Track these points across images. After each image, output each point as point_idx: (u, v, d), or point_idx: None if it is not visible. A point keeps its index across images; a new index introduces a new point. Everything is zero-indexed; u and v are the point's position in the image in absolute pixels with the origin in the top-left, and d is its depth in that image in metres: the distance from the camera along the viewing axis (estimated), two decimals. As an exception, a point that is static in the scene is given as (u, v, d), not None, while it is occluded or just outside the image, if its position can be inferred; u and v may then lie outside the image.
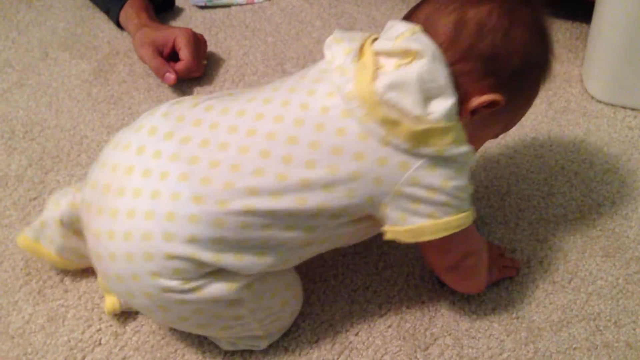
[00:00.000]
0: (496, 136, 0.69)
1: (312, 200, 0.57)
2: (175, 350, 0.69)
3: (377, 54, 0.58)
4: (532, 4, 0.62)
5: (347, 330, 0.71)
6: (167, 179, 0.57)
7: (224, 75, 1.05)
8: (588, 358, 0.68)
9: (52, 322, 0.71)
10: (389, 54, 0.57)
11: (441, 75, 0.56)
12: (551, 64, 0.64)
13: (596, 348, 0.69)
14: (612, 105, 0.97)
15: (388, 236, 0.61)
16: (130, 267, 0.58)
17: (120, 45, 1.10)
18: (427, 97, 0.56)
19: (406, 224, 0.59)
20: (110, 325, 0.71)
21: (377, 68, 0.57)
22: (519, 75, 0.60)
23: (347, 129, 0.57)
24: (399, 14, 1.13)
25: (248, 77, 1.05)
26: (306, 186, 0.57)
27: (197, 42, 1.02)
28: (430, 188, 0.57)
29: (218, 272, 0.59)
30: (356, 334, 0.71)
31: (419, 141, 0.56)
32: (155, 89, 1.02)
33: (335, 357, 0.69)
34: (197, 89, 1.03)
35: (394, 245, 0.78)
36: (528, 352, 0.69)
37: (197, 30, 1.09)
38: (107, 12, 1.12)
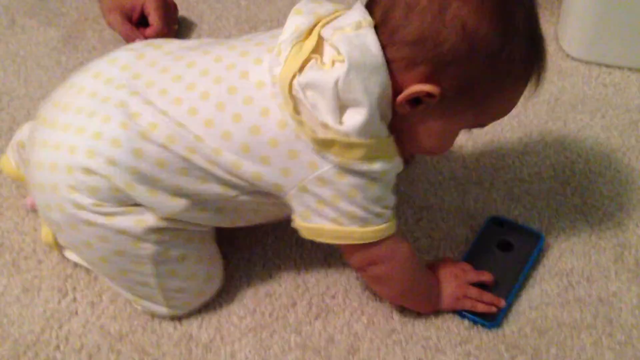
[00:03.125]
0: (477, 127, 0.63)
1: (221, 170, 0.58)
2: (153, 318, 0.69)
3: (323, 38, 0.56)
4: None
5: (323, 293, 0.71)
6: (107, 102, 0.60)
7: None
8: (560, 313, 0.69)
9: (27, 293, 0.71)
10: (331, 44, 0.55)
11: (359, 86, 0.53)
12: (520, 49, 0.55)
13: (568, 303, 0.70)
14: (587, 62, 0.97)
15: (293, 224, 0.61)
16: (52, 177, 0.60)
17: (89, 11, 1.07)
18: (342, 106, 0.54)
19: (308, 221, 0.59)
20: (86, 295, 0.71)
21: (310, 58, 0.54)
22: (458, 61, 0.54)
23: (270, 112, 0.56)
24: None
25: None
26: (218, 155, 0.57)
27: (167, 6, 1.00)
28: (337, 193, 0.56)
29: (133, 207, 0.60)
30: (333, 297, 0.71)
31: (322, 147, 0.55)
32: (126, 56, 1.00)
33: (312, 320, 0.69)
34: (169, 55, 1.00)
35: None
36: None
37: (168, -6, 1.06)
38: (73, -24, 1.09)
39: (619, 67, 0.96)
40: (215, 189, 0.59)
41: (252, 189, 0.60)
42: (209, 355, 0.66)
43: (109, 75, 0.62)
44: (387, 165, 0.57)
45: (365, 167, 0.55)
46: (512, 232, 0.74)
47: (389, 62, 0.54)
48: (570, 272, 0.73)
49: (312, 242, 0.74)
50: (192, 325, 0.68)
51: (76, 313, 0.69)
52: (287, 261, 0.74)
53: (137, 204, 0.60)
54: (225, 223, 0.66)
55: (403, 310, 0.70)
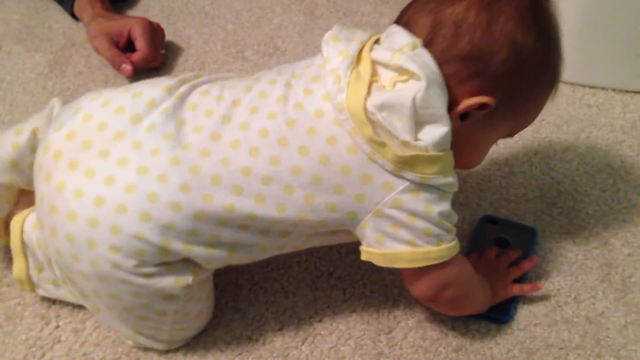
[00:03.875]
0: (507, 137, 0.64)
1: (292, 209, 0.56)
2: (132, 348, 0.68)
3: (375, 62, 0.56)
4: None
5: (310, 317, 0.71)
6: (157, 156, 0.55)
7: (184, 64, 1.04)
8: (549, 334, 0.69)
9: (10, 321, 0.69)
10: (387, 66, 0.55)
11: (437, 101, 0.53)
12: (555, 57, 0.59)
13: (556, 323, 0.70)
14: (571, 83, 0.98)
15: (363, 257, 0.60)
16: (89, 232, 0.55)
17: (76, 36, 1.07)
18: (419, 123, 0.54)
19: (383, 248, 0.58)
20: (70, 322, 0.70)
21: (372, 81, 0.54)
22: (509, 73, 0.56)
23: (337, 139, 0.55)
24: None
25: (208, 66, 1.03)
26: (289, 193, 0.55)
27: (154, 31, 1.00)
28: (413, 213, 0.56)
29: (175, 264, 0.58)
30: (320, 320, 0.70)
31: (403, 165, 0.54)
32: (113, 81, 1.00)
33: (299, 344, 0.68)
34: (156, 79, 1.01)
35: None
36: (490, 329, 0.69)
37: (155, 19, 1.07)
38: (60, 2, 1.10)
39: (603, 88, 0.97)
40: (275, 240, 0.58)
41: (312, 232, 0.59)
42: (195, 383, 0.65)
43: (152, 121, 0.56)
44: (455, 178, 0.57)
45: (442, 180, 0.56)
46: (506, 228, 0.77)
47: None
48: (557, 292, 0.73)
49: (299, 265, 0.75)
50: (178, 354, 0.67)
51: (59, 341, 0.68)
52: (274, 284, 0.74)
53: (180, 260, 0.57)
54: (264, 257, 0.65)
55: (390, 332, 0.69)
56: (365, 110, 0.53)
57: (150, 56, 0.98)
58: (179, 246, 0.56)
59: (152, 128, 0.56)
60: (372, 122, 0.54)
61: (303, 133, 0.55)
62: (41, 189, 0.58)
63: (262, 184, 0.55)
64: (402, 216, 0.56)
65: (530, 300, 0.72)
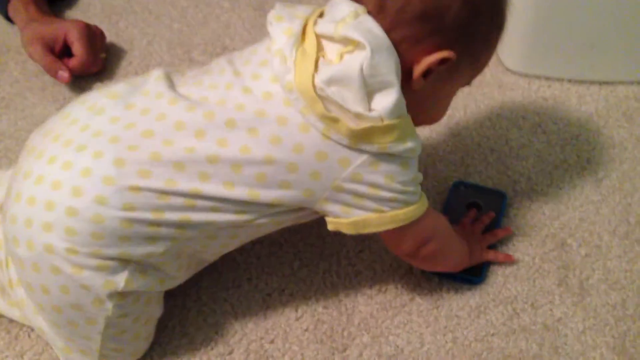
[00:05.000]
0: (466, 85, 0.64)
1: (242, 187, 0.55)
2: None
3: (320, 36, 0.55)
4: None
5: (261, 338, 0.68)
6: (99, 137, 0.55)
7: (127, 68, 0.99)
8: (506, 343, 0.67)
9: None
10: (332, 39, 0.54)
11: (385, 67, 0.52)
12: (505, 3, 0.59)
13: (514, 332, 0.68)
14: (527, 75, 0.96)
15: (329, 227, 0.59)
16: (27, 210, 0.55)
17: (11, 41, 1.01)
18: (370, 92, 0.52)
19: (350, 217, 0.57)
20: (6, 357, 0.66)
21: (318, 56, 0.53)
22: (465, 24, 0.55)
23: (288, 119, 0.54)
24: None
25: (153, 68, 0.98)
26: (237, 172, 0.54)
27: (92, 34, 0.95)
28: (374, 185, 0.55)
29: (107, 262, 0.55)
30: (271, 341, 0.68)
31: (359, 139, 0.53)
32: (51, 88, 0.95)
33: (250, 368, 0.66)
34: (97, 85, 0.96)
35: (309, 242, 0.76)
36: (447, 342, 0.68)
37: (96, 19, 1.02)
38: (-7, 5, 1.03)
39: (558, 79, 0.95)
40: (228, 217, 0.57)
41: (271, 211, 0.57)
42: (140, 416, 0.62)
43: (101, 105, 0.57)
44: (416, 142, 0.56)
45: (401, 147, 0.54)
46: (476, 193, 0.79)
47: (393, 44, 0.54)
48: (514, 299, 0.71)
49: (250, 282, 0.72)
50: (122, 384, 0.64)
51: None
52: (224, 305, 0.71)
53: (112, 259, 0.55)
54: (223, 249, 0.64)
55: (345, 350, 0.67)
56: (314, 86, 0.52)
57: (88, 61, 0.93)
58: (115, 223, 0.54)
59: (98, 133, 0.56)
60: (323, 98, 0.53)
61: (252, 115, 0.55)
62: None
63: (207, 162, 0.54)
64: (364, 188, 0.55)
65: (487, 308, 0.70)
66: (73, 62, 0.92)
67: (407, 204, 0.58)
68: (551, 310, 0.70)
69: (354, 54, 0.52)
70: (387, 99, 0.52)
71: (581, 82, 0.95)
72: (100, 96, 0.59)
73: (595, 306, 0.70)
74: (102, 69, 0.97)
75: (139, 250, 0.56)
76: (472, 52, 0.58)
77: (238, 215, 0.57)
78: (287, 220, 0.61)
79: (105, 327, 0.58)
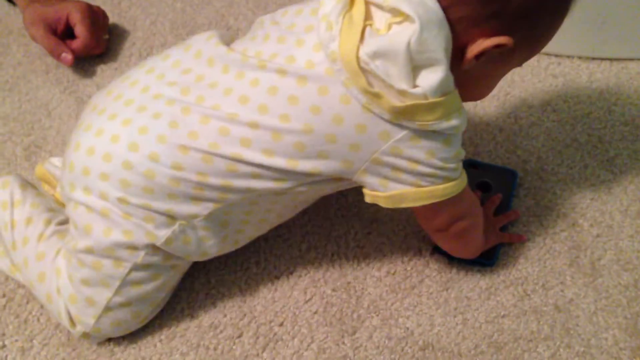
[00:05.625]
0: (517, 66, 0.62)
1: (280, 155, 0.55)
2: (87, 363, 0.64)
3: (369, 3, 0.53)
4: None
5: (271, 321, 0.68)
6: (158, 99, 0.58)
7: (130, 49, 0.98)
8: (517, 325, 0.67)
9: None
10: (381, 7, 0.52)
11: (433, 44, 0.50)
12: None
13: (525, 314, 0.68)
14: (536, 53, 0.94)
15: (367, 199, 0.59)
16: (86, 159, 0.59)
17: (14, 23, 1.00)
18: (416, 68, 0.51)
19: (387, 190, 0.57)
20: (16, 341, 0.66)
21: (365, 25, 0.52)
22: (529, 12, 0.53)
23: (329, 89, 0.53)
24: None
25: (156, 49, 0.98)
26: (277, 140, 0.55)
27: (95, 15, 0.94)
28: (413, 160, 0.54)
29: (152, 217, 0.58)
30: (281, 324, 0.67)
31: (401, 115, 0.52)
32: (55, 71, 0.94)
33: (260, 352, 0.65)
34: (100, 67, 0.95)
35: (316, 224, 0.75)
36: (457, 324, 0.67)
37: (99, 0, 1.00)
38: (-7, -14, 1.02)
39: (568, 56, 0.94)
40: (268, 184, 0.57)
41: (310, 180, 0.58)
42: (149, 400, 0.62)
43: (161, 71, 0.60)
44: (461, 119, 0.55)
45: (444, 124, 0.53)
46: (487, 172, 0.78)
47: (450, 21, 0.52)
48: (525, 280, 0.70)
49: (258, 265, 0.71)
50: (132, 368, 0.64)
51: (5, 362, 0.64)
52: (232, 288, 0.70)
53: (159, 213, 0.58)
54: (262, 224, 0.66)
55: (354, 333, 0.66)
56: (358, 59, 0.51)
57: (91, 43, 0.92)
58: (164, 180, 0.57)
59: (160, 77, 0.59)
60: (366, 72, 0.51)
61: (293, 83, 0.54)
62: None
63: (248, 127, 0.55)
64: (403, 163, 0.55)
65: (497, 290, 0.70)
66: (76, 43, 0.91)
67: (446, 179, 0.57)
68: (562, 291, 0.69)
69: (402, 25, 0.51)
70: (433, 76, 0.51)
71: (591, 59, 0.93)
72: (158, 60, 0.62)
73: (607, 287, 0.70)
74: (105, 50, 0.96)
75: (184, 209, 0.58)
76: (530, 40, 0.57)
77: (277, 182, 0.57)
78: (326, 189, 0.62)
79: (128, 273, 0.60)
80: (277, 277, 0.71)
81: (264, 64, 0.55)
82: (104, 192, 0.58)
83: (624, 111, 0.86)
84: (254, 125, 0.55)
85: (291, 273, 0.72)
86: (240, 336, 0.67)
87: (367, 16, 0.52)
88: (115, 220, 0.58)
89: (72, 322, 0.64)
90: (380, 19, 0.52)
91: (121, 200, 0.58)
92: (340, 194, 0.77)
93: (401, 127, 0.53)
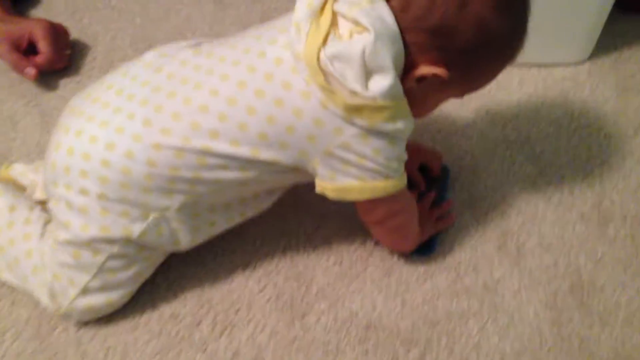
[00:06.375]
0: (457, 97, 0.68)
1: (246, 145, 0.61)
2: (55, 354, 0.69)
3: (336, 13, 0.59)
4: None
5: (227, 309, 0.74)
6: (132, 100, 0.63)
7: (92, 63, 1.03)
8: (450, 304, 0.74)
9: None
10: (345, 17, 0.58)
11: (384, 54, 0.56)
12: (518, 39, 0.62)
13: (457, 294, 0.75)
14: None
15: (317, 190, 0.65)
16: (67, 159, 0.64)
17: (-23, 41, 1.04)
18: (369, 73, 0.57)
19: (335, 182, 0.63)
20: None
21: (329, 32, 0.58)
22: (470, 52, 0.59)
23: (292, 85, 0.59)
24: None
25: (117, 64, 1.03)
26: (243, 131, 0.60)
27: (56, 32, 0.99)
28: (361, 155, 0.61)
29: (128, 212, 0.64)
30: (237, 312, 0.73)
31: (352, 112, 0.58)
32: (18, 85, 0.98)
33: (218, 337, 0.71)
34: (63, 81, 1.00)
35: (269, 221, 0.81)
36: (397, 305, 0.74)
37: (60, 17, 1.05)
38: (-42, 5, 1.06)
39: (500, 63, 1.02)
40: (235, 174, 0.63)
41: (271, 168, 0.63)
42: (115, 384, 0.67)
43: (135, 73, 0.65)
44: (407, 124, 0.61)
45: (390, 126, 0.59)
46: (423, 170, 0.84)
47: (405, 42, 0.58)
48: (458, 264, 0.78)
49: (215, 260, 0.77)
50: (98, 356, 0.69)
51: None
52: (191, 280, 0.76)
53: (135, 207, 0.63)
54: (232, 216, 0.71)
55: (304, 317, 0.73)
56: (319, 59, 0.57)
57: (54, 58, 0.97)
58: (140, 176, 0.62)
59: (131, 97, 0.64)
60: (325, 72, 0.57)
61: (261, 78, 0.60)
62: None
63: (218, 120, 0.60)
64: (351, 157, 0.61)
65: (433, 274, 0.77)
66: (39, 59, 0.96)
67: (388, 177, 0.63)
68: (491, 272, 0.77)
69: (362, 34, 0.56)
70: (383, 82, 0.57)
71: (522, 65, 1.02)
72: (132, 64, 0.67)
73: (530, 267, 0.77)
74: (68, 65, 1.01)
75: (157, 202, 0.64)
76: (467, 77, 0.63)
77: (243, 172, 0.63)
78: (286, 180, 0.68)
79: (105, 262, 0.66)
80: (233, 270, 0.77)
81: (236, 61, 0.61)
82: (85, 189, 0.63)
83: (549, 112, 0.95)
84: (222, 117, 0.60)
85: (246, 266, 0.78)
86: (199, 324, 0.72)
87: (333, 24, 0.59)
88: (93, 217, 0.64)
89: (53, 298, 0.69)
90: (344, 27, 0.58)
91: (101, 196, 0.63)
92: (291, 193, 0.83)
93: (353, 124, 0.59)
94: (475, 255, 0.79)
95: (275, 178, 0.66)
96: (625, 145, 0.90)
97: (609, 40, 1.03)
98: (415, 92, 0.62)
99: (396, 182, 0.64)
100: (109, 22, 1.09)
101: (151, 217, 0.65)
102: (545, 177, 0.87)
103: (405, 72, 0.60)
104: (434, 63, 0.60)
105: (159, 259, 0.72)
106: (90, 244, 0.65)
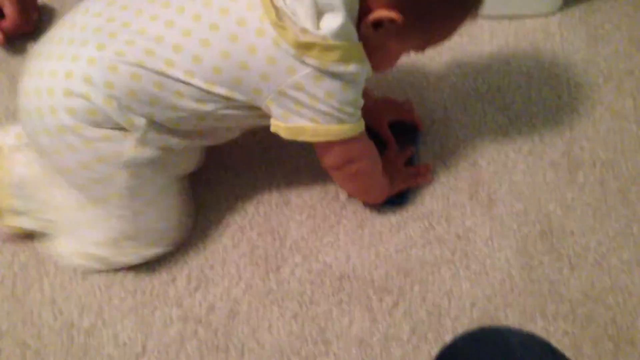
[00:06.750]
0: (419, 51, 0.68)
1: (200, 77, 0.61)
2: (30, 312, 0.69)
3: None
4: None
5: (201, 265, 0.74)
6: (85, 30, 0.63)
7: (59, 27, 1.01)
8: (422, 253, 0.75)
9: None
10: None
11: None
12: None
13: (430, 243, 0.76)
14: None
15: (272, 129, 0.65)
16: (36, 102, 0.63)
17: (-59, 7, 1.02)
18: (320, 12, 0.57)
19: (288, 122, 0.63)
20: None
21: None
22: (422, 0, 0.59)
23: (247, 21, 0.59)
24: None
25: (85, 27, 1.01)
26: (197, 62, 0.60)
27: (22, -5, 0.97)
28: (314, 97, 0.61)
29: (111, 131, 0.63)
30: (211, 267, 0.74)
31: (304, 50, 0.58)
32: (-15, 51, 0.97)
33: (192, 292, 0.72)
34: (31, 45, 0.98)
35: (242, 177, 0.82)
36: (370, 255, 0.75)
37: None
38: None
39: (472, 16, 1.01)
40: (190, 104, 0.62)
41: (227, 104, 0.63)
42: (91, 341, 0.68)
43: (86, 6, 0.65)
44: (360, 68, 0.61)
45: (342, 68, 0.59)
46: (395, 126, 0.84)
47: None
48: (430, 214, 0.78)
49: (188, 218, 0.77)
50: (73, 314, 0.70)
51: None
52: (165, 239, 0.76)
53: (114, 128, 0.63)
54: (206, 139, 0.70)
55: (278, 270, 0.73)
56: None
57: (20, 21, 0.95)
58: (99, 100, 0.61)
59: (86, 11, 0.65)
60: (277, 8, 0.58)
61: (216, 12, 0.59)
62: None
63: (172, 50, 0.60)
64: (304, 97, 0.61)
65: (406, 224, 0.78)
66: (5, 23, 0.94)
67: (341, 121, 0.63)
68: (462, 221, 0.78)
69: None
70: (333, 22, 0.57)
71: (493, 17, 1.02)
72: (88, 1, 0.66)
73: (501, 215, 0.78)
74: (35, 29, 0.99)
75: (124, 122, 0.63)
76: (423, 25, 0.62)
77: (199, 104, 0.63)
78: (243, 118, 0.66)
79: (131, 198, 0.67)
80: (207, 227, 0.77)
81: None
82: (60, 125, 0.63)
83: (520, 63, 0.95)
84: (177, 48, 0.60)
85: (220, 222, 0.78)
86: (174, 280, 0.73)
87: None
88: (83, 151, 0.64)
89: None
90: None
91: (76, 128, 0.63)
92: (264, 150, 0.83)
93: (305, 64, 0.59)
94: (448, 205, 0.79)
95: (232, 114, 0.65)
96: (594, 93, 0.90)
97: (580, -10, 1.03)
98: (373, 40, 0.62)
99: (351, 126, 0.64)
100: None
101: (133, 134, 0.64)
102: (516, 127, 0.87)
103: (361, 17, 0.60)
104: (389, 7, 0.59)
105: (178, 182, 0.72)
106: (100, 181, 0.65)
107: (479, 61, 0.96)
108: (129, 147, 0.64)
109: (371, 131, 0.83)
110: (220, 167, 0.82)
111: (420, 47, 0.68)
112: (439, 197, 0.80)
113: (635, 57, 0.94)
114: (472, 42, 0.99)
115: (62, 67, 0.62)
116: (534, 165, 0.83)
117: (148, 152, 0.66)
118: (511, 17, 1.01)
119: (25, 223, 0.74)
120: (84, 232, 0.71)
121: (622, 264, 0.74)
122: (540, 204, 0.79)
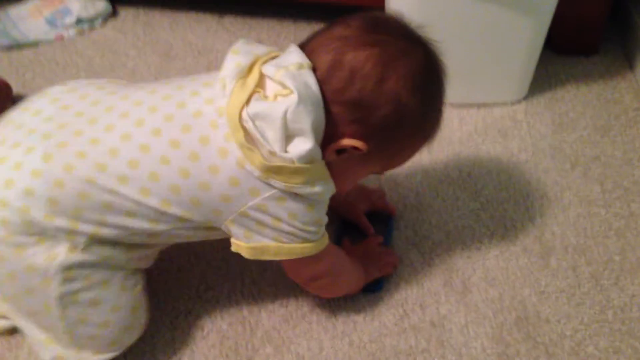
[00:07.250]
0: (378, 173, 0.69)
1: (156, 196, 0.58)
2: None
3: (264, 75, 0.59)
4: (418, 56, 0.61)
5: (169, 358, 0.71)
6: (33, 134, 0.59)
7: (34, 116, 1.02)
8: (397, 342, 0.73)
9: None
10: (272, 79, 0.59)
11: (305, 118, 0.56)
12: (432, 122, 0.65)
13: (404, 331, 0.74)
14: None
15: (232, 248, 0.64)
16: None
17: None
18: (290, 136, 0.57)
19: (250, 242, 0.62)
20: None
21: (255, 91, 0.58)
22: (387, 127, 0.60)
23: (210, 139, 0.58)
24: (214, 37, 1.16)
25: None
26: (154, 179, 0.58)
27: (-3, 87, 0.98)
28: (277, 217, 0.60)
29: (44, 238, 0.58)
30: (179, 360, 0.71)
31: (270, 173, 0.58)
32: (-43, 139, 0.96)
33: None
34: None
35: (214, 265, 0.80)
36: (344, 345, 0.73)
37: (4, 73, 1.05)
38: None
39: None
40: (142, 224, 0.60)
41: (182, 224, 0.61)
42: None
43: (38, 107, 0.62)
44: (325, 187, 0.61)
45: (307, 189, 0.59)
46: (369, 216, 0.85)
47: (328, 113, 0.59)
48: (405, 301, 0.77)
49: (157, 306, 0.75)
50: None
51: None
52: (132, 330, 0.73)
53: (49, 236, 0.58)
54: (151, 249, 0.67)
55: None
56: (240, 116, 0.57)
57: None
58: (40, 215, 0.57)
59: (37, 113, 0.61)
60: (245, 130, 0.57)
61: (178, 128, 0.58)
62: None
63: (127, 166, 0.57)
64: (267, 219, 0.60)
65: (380, 312, 0.76)
66: (-21, 113, 0.95)
67: (305, 240, 0.62)
68: (437, 308, 0.77)
69: (287, 97, 0.57)
70: (302, 146, 0.57)
71: (462, 105, 1.05)
72: (38, 98, 0.64)
73: (476, 302, 0.77)
74: (9, 118, 1.00)
75: (64, 237, 0.59)
76: (386, 152, 0.64)
77: (151, 224, 0.60)
78: (198, 236, 0.65)
79: (62, 309, 0.61)
80: (176, 317, 0.75)
81: (154, 107, 0.60)
82: None
83: (489, 149, 0.97)
84: (133, 164, 0.58)
85: (189, 312, 0.76)
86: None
87: (260, 85, 0.59)
88: (12, 260, 0.59)
89: None
90: (271, 89, 0.59)
91: (6, 238, 0.58)
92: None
93: (270, 186, 0.58)
94: (422, 292, 0.78)
95: (186, 234, 0.63)
96: (563, 179, 0.92)
97: (544, 80, 1.07)
98: (337, 164, 0.62)
99: (315, 244, 0.63)
100: (53, 77, 1.09)
101: (71, 238, 0.59)
102: (488, 212, 0.88)
103: (327, 142, 0.60)
104: (354, 136, 0.60)
105: (130, 282, 0.65)
106: (31, 292, 0.60)
107: (449, 147, 0.98)
108: (64, 250, 0.59)
109: (349, 222, 0.84)
110: (191, 254, 0.81)
111: (381, 170, 0.69)
112: (413, 284, 0.79)
113: (600, 143, 0.97)
114: (442, 128, 1.01)
115: (1, 173, 0.58)
116: (507, 251, 0.83)
117: (86, 257, 0.60)
118: (479, 105, 1.05)
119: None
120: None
121: (599, 352, 0.73)
122: (514, 290, 0.79)
